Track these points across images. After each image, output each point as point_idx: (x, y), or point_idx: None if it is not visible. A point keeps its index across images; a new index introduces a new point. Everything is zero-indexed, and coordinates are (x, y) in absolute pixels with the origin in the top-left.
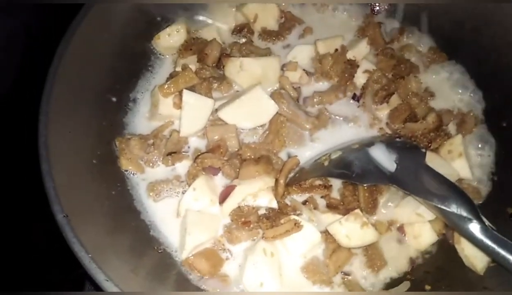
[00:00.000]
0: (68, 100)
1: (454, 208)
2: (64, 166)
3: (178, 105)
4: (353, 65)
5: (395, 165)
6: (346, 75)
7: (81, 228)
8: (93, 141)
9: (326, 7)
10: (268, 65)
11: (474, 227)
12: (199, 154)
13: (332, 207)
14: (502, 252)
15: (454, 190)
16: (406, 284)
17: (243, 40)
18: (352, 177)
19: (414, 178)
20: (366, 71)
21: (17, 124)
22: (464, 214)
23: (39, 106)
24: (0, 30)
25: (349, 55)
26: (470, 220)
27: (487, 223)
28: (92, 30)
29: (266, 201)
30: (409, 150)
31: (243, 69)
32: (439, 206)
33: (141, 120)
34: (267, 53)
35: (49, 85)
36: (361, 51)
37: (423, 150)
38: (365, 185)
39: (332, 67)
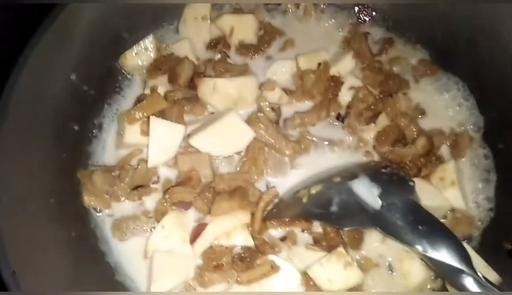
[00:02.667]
0: (21, 132)
1: (444, 256)
2: (14, 211)
3: (146, 132)
4: (337, 82)
5: (380, 202)
6: (330, 93)
7: (33, 283)
8: (51, 177)
9: (310, 16)
10: (244, 86)
11: (467, 280)
12: (168, 187)
13: (314, 242)
14: None
15: (445, 234)
16: None
17: (219, 55)
18: (332, 219)
19: (400, 219)
20: (351, 87)
21: None
22: (456, 264)
23: None
24: None
25: (333, 70)
26: (461, 272)
27: (480, 274)
28: (51, 48)
29: (241, 239)
30: (396, 183)
31: (217, 91)
32: (427, 254)
33: (108, 149)
34: (243, 70)
35: None
36: (346, 66)
37: (411, 183)
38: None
39: (314, 85)
